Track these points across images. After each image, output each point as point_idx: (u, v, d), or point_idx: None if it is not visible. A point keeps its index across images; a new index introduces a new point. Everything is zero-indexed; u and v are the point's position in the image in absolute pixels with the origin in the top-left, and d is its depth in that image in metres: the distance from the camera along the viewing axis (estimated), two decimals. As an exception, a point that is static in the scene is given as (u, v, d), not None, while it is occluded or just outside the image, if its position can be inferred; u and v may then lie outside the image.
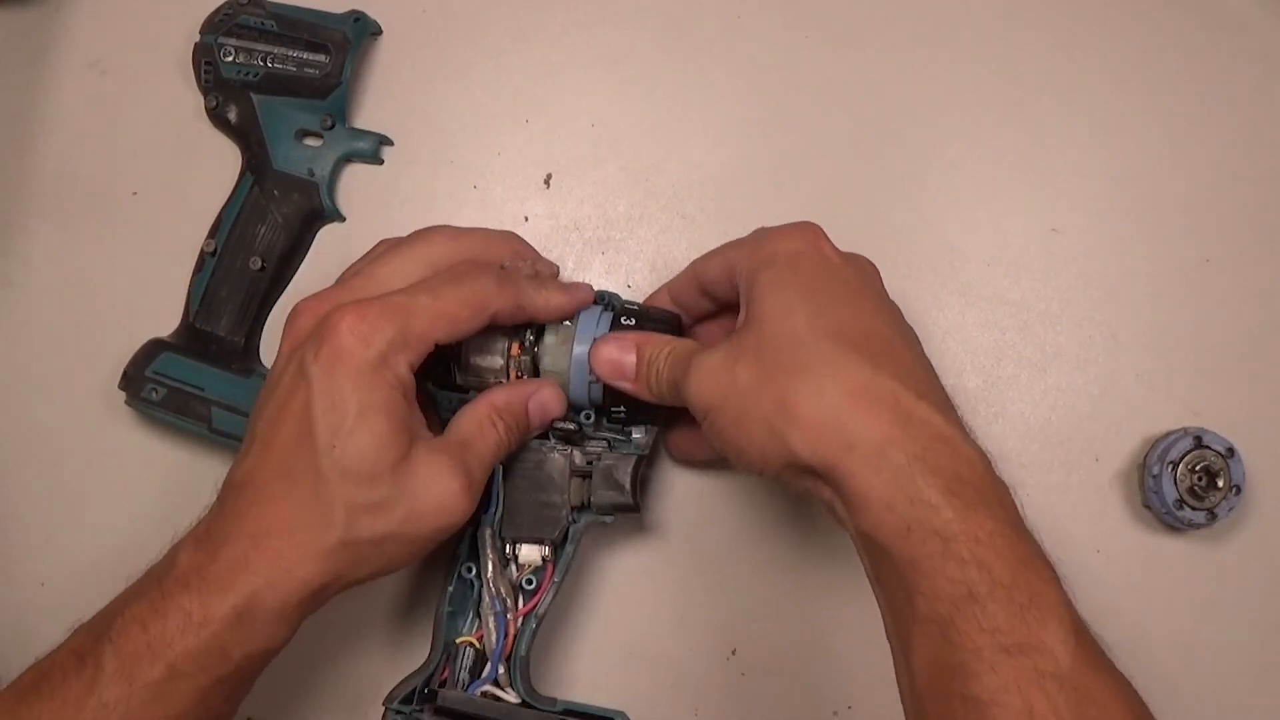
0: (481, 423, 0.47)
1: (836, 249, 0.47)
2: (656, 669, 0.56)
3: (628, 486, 0.50)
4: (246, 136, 0.58)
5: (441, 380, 0.52)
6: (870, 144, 0.60)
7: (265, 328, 0.57)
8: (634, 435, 0.52)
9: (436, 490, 0.44)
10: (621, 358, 0.48)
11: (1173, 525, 0.56)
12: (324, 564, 0.43)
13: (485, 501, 0.50)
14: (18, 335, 0.58)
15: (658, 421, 0.52)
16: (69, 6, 0.61)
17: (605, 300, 0.52)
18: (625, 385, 0.48)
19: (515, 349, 0.50)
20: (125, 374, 0.55)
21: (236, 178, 0.58)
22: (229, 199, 0.57)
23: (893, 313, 0.46)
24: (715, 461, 0.55)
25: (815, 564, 0.56)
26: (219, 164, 0.59)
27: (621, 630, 0.56)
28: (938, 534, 0.39)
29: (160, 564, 0.44)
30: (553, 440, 0.51)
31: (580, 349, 0.49)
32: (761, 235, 0.48)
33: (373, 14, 0.59)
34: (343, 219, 0.59)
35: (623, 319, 0.50)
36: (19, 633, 0.56)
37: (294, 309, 0.47)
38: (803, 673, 0.56)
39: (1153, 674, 0.56)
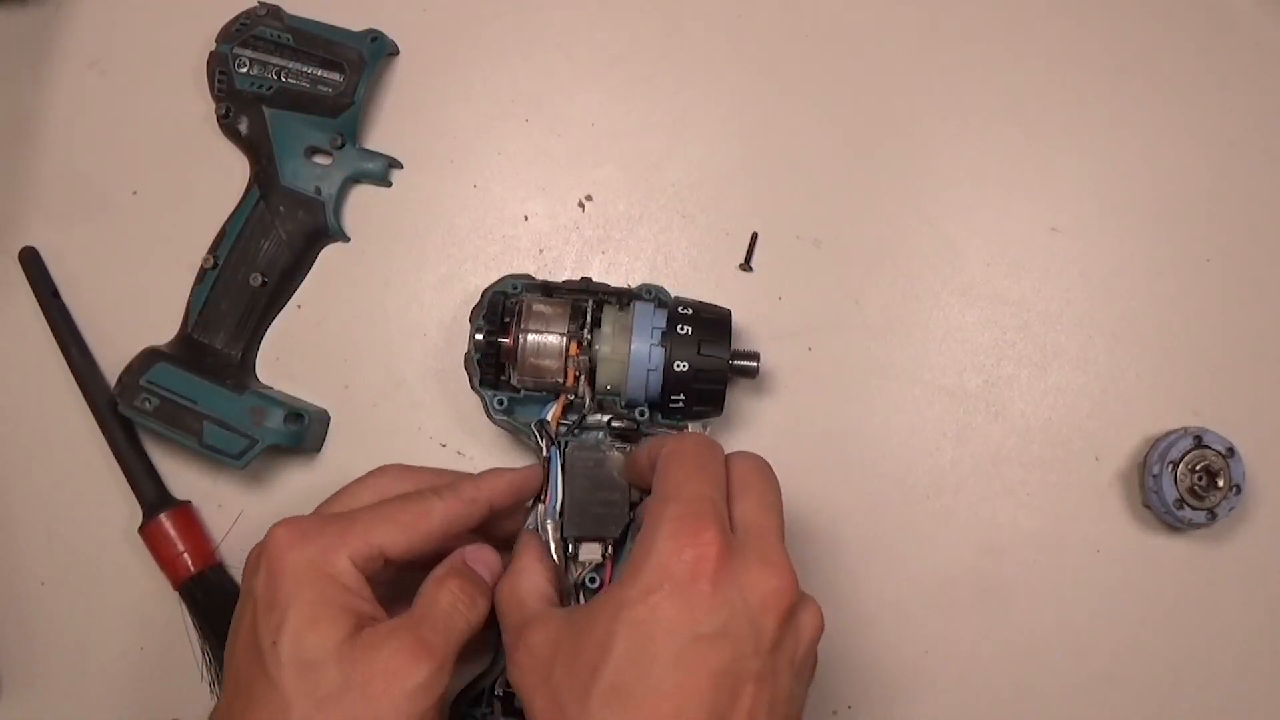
0: (435, 592, 0.45)
1: (718, 580, 0.40)
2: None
3: None
4: (256, 150, 0.57)
5: (493, 381, 0.52)
6: (870, 144, 0.60)
7: (263, 344, 0.58)
8: (689, 429, 0.52)
9: (387, 661, 0.42)
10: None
11: (1173, 525, 0.56)
12: None
13: (545, 494, 0.50)
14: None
15: (714, 414, 0.52)
16: (69, 6, 0.61)
17: (653, 295, 0.53)
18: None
19: (574, 348, 0.50)
20: (120, 381, 0.55)
21: (243, 190, 0.57)
22: (234, 212, 0.57)
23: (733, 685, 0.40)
24: None
25: (814, 564, 0.56)
26: (222, 170, 0.59)
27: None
28: None
29: None
30: (610, 439, 0.51)
31: (638, 346, 0.50)
32: (661, 517, 0.42)
33: (378, 25, 0.58)
34: (347, 239, 0.58)
35: (679, 309, 0.51)
36: (19, 633, 0.56)
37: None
38: (803, 673, 0.56)
39: (1153, 674, 0.57)
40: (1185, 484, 0.54)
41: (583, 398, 0.51)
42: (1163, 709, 0.56)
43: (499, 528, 0.51)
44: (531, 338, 0.50)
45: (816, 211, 0.59)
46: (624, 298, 0.52)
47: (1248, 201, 0.59)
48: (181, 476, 0.57)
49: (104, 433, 0.56)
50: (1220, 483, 0.55)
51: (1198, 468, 0.55)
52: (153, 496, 0.56)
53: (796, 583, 0.42)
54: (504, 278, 0.54)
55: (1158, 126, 0.60)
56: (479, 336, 0.51)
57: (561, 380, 0.50)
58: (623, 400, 0.51)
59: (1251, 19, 0.61)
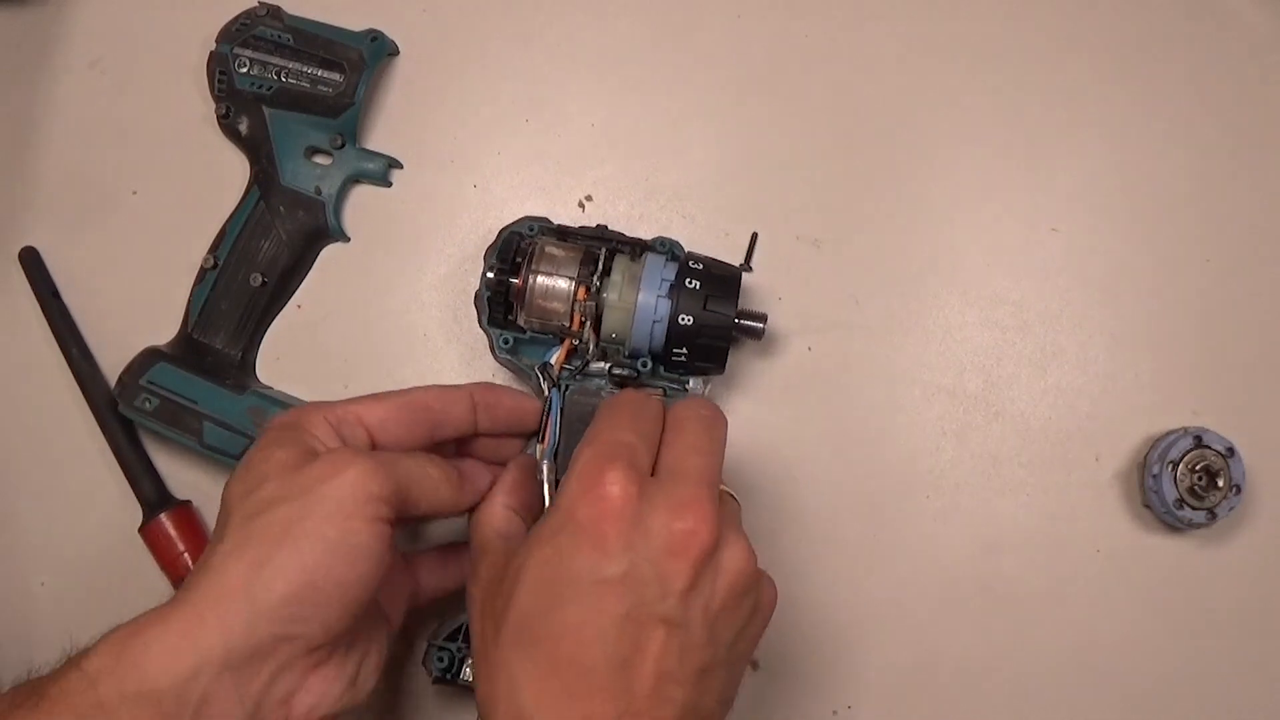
0: (408, 454, 0.46)
1: (622, 523, 0.39)
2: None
3: None
4: (256, 150, 0.57)
5: (500, 320, 0.52)
6: (870, 144, 0.60)
7: (263, 344, 0.58)
8: (690, 385, 0.52)
9: (324, 465, 0.41)
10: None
11: (1173, 525, 0.56)
12: (225, 594, 0.39)
13: (544, 435, 0.50)
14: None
15: (716, 371, 0.52)
16: (69, 6, 0.61)
17: (667, 248, 0.53)
18: None
19: (582, 293, 0.50)
20: (120, 381, 0.55)
21: (243, 190, 0.57)
22: (234, 212, 0.57)
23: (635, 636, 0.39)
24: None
25: (815, 564, 0.56)
26: (222, 170, 0.59)
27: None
28: None
29: None
30: (610, 386, 0.52)
31: (645, 296, 0.50)
32: (575, 461, 0.41)
33: (378, 25, 0.59)
34: (347, 239, 0.58)
35: (690, 263, 0.51)
36: (19, 633, 0.56)
37: None
38: (803, 673, 0.56)
39: (1153, 674, 0.57)
40: (1185, 484, 0.54)
41: (587, 344, 0.51)
42: (1163, 709, 0.56)
43: (491, 450, 0.51)
44: (541, 279, 0.51)
45: (816, 211, 0.59)
46: (637, 248, 0.52)
47: (1248, 201, 0.59)
48: (181, 476, 0.57)
49: (104, 433, 0.56)
50: (1220, 483, 0.55)
51: (1198, 468, 0.55)
52: (153, 496, 0.56)
53: (713, 524, 0.40)
54: (521, 219, 0.54)
55: (1157, 126, 0.60)
56: (489, 275, 0.52)
57: (567, 324, 0.51)
58: (626, 349, 0.51)
59: (1251, 19, 0.61)
